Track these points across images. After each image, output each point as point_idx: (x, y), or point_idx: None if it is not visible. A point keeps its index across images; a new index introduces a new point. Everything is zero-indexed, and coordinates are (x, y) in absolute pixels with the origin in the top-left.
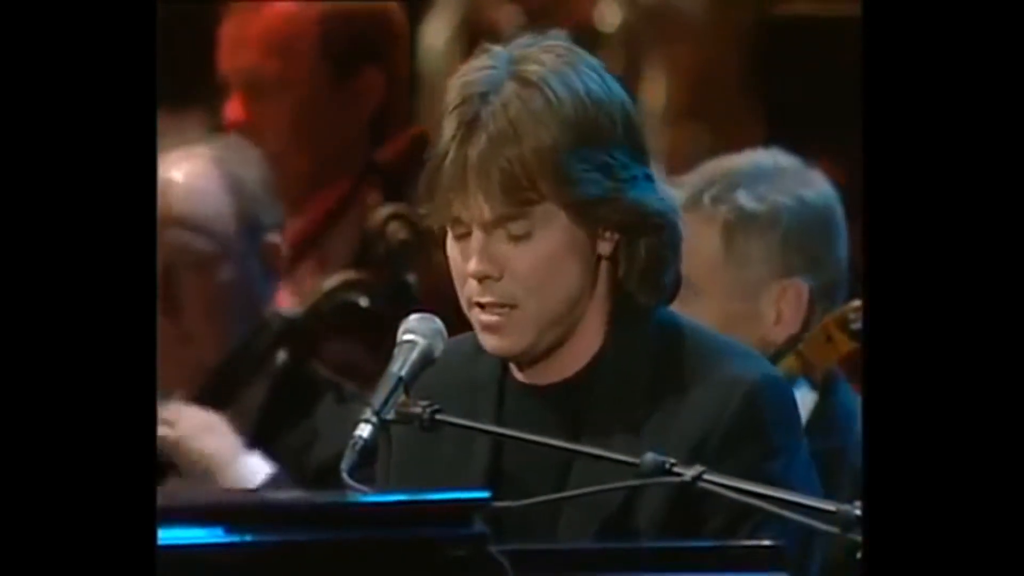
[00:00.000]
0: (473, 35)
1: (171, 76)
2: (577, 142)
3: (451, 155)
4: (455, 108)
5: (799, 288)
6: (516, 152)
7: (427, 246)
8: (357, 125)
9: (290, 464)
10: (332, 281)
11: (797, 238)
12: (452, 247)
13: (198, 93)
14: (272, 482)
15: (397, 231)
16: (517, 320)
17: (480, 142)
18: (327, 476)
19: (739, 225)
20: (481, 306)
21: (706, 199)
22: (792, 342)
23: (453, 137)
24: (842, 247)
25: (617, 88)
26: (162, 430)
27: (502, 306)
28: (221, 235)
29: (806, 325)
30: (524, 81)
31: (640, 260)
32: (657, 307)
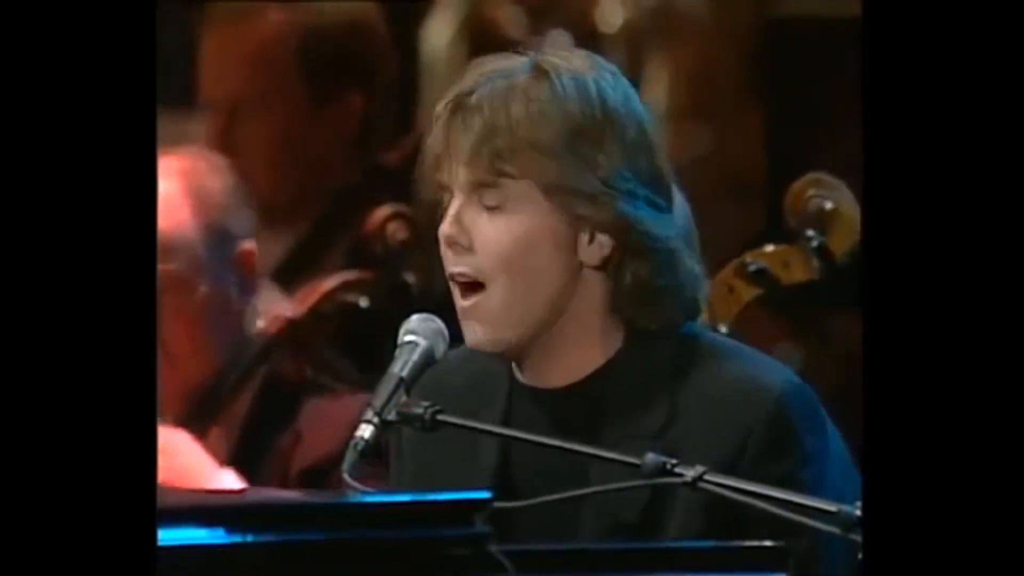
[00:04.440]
0: (474, 35)
1: (172, 77)
2: (571, 136)
3: (443, 120)
4: (464, 82)
5: None
6: (505, 123)
7: (426, 246)
8: (339, 144)
9: (276, 466)
10: (331, 282)
11: None
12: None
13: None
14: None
15: (396, 231)
16: (489, 305)
17: (472, 111)
18: (312, 476)
19: None
20: (457, 284)
21: None
22: None
23: (448, 104)
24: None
25: (639, 108)
26: None
27: (472, 283)
28: (191, 254)
29: None
30: (538, 70)
31: (627, 284)
32: (663, 330)
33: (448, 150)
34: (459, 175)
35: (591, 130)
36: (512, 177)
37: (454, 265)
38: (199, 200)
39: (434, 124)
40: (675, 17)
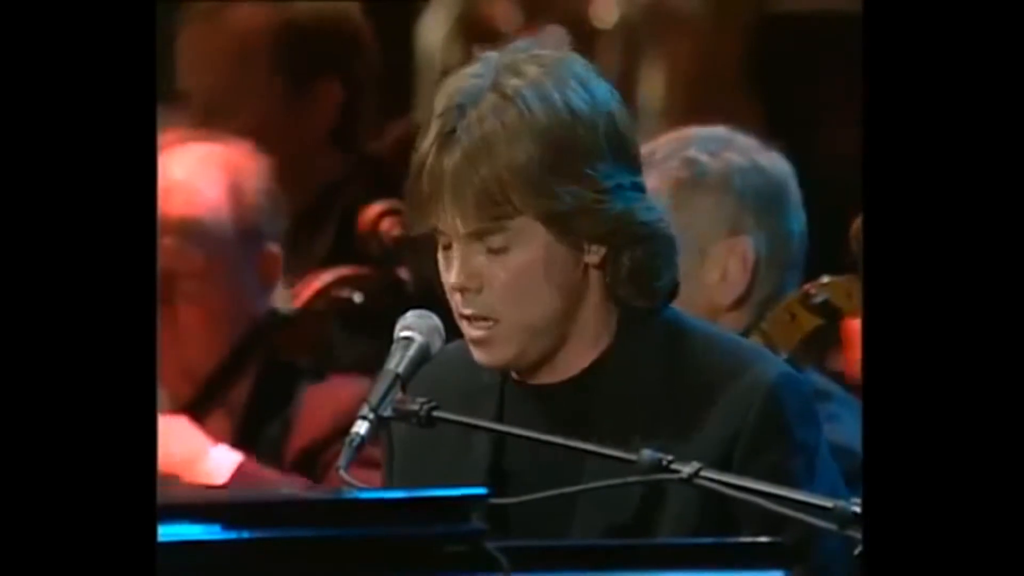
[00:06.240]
0: (470, 31)
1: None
2: (553, 156)
3: (428, 165)
4: (437, 117)
5: (745, 245)
6: (489, 168)
7: (421, 242)
8: (315, 137)
9: (270, 452)
10: (326, 277)
11: (749, 199)
12: (440, 256)
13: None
14: (239, 472)
15: (391, 227)
16: (500, 333)
17: (455, 156)
18: (304, 461)
19: (689, 181)
20: (467, 319)
21: (658, 155)
22: (737, 304)
23: (431, 147)
24: (796, 222)
25: (604, 96)
26: None
27: (484, 319)
28: (218, 243)
29: (751, 288)
30: (501, 94)
31: (624, 269)
32: (655, 309)
33: (438, 199)
34: (457, 226)
35: (566, 142)
36: (510, 217)
37: (465, 308)
38: (237, 193)
39: (421, 167)
40: (671, 13)
